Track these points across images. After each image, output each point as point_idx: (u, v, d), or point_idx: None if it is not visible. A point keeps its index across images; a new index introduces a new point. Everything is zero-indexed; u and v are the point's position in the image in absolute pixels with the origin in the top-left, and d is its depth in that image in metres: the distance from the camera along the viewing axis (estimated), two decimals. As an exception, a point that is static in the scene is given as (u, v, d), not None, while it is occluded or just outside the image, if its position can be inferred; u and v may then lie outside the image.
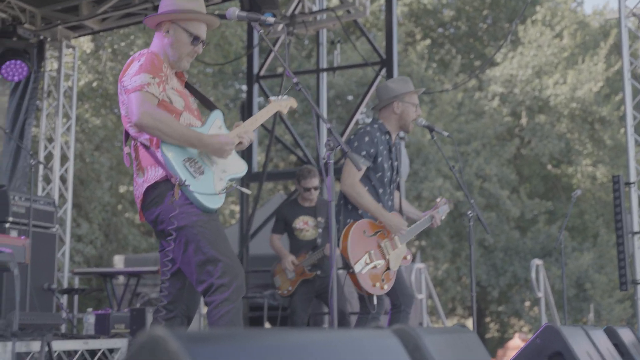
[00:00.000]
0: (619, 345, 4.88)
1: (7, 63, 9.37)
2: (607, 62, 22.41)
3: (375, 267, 4.95)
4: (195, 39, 3.92)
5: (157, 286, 9.53)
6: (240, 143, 3.99)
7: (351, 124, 9.92)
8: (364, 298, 5.03)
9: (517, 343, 16.00)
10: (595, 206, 22.70)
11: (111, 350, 5.64)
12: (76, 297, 9.24)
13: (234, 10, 3.83)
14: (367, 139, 5.15)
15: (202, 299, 3.93)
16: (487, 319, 24.99)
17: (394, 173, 5.35)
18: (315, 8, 9.79)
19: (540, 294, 8.39)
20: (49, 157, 10.25)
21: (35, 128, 11.08)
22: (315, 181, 6.99)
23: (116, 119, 17.54)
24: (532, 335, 3.45)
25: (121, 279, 9.88)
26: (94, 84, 16.94)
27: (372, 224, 5.04)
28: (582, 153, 22.77)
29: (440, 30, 26.26)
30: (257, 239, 10.17)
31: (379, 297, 5.10)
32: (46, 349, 5.01)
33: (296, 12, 9.70)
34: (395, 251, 5.09)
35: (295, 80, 3.70)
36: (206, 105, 4.13)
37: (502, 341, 23.66)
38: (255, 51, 10.27)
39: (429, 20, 25.63)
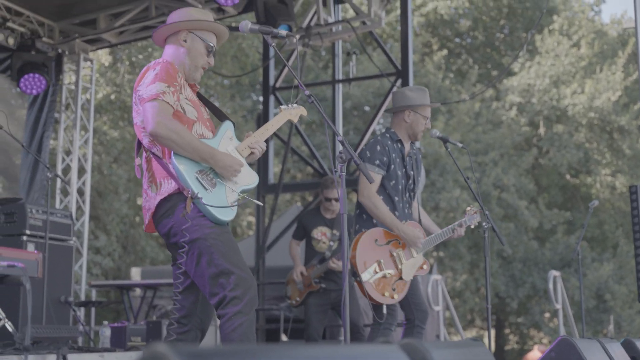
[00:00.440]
0: (637, 358, 4.82)
1: (26, 76, 9.46)
2: (625, 71, 22.28)
3: (384, 276, 4.94)
4: (211, 49, 3.95)
5: (174, 298, 9.52)
6: (252, 153, 3.99)
7: (367, 134, 9.91)
8: (375, 308, 5.02)
9: (536, 355, 15.89)
10: (614, 216, 22.52)
11: (127, 363, 5.65)
12: (93, 310, 9.25)
13: (246, 23, 3.84)
14: (378, 147, 5.17)
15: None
16: (507, 331, 24.83)
17: (410, 181, 5.34)
18: (330, 19, 9.80)
19: (558, 306, 8.33)
20: (66, 169, 10.31)
21: (54, 141, 11.15)
22: (337, 192, 6.99)
23: (134, 131, 17.63)
24: (549, 348, 3.42)
25: (138, 291, 9.90)
26: (112, 97, 17.05)
27: (386, 233, 5.03)
28: (601, 163, 22.62)
29: (457, 40, 26.22)
30: (274, 251, 10.17)
31: (390, 308, 5.08)
32: (62, 361, 5.03)
33: (312, 23, 9.72)
34: (409, 261, 5.06)
35: (307, 92, 3.70)
36: (218, 116, 4.14)
37: (521, 353, 23.52)
38: (271, 63, 10.30)
39: (445, 31, 25.61)
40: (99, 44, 10.53)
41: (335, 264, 6.70)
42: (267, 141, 4.16)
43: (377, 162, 5.13)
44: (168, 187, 3.71)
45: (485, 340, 4.97)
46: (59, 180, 9.74)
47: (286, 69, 10.44)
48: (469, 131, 21.55)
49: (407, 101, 5.29)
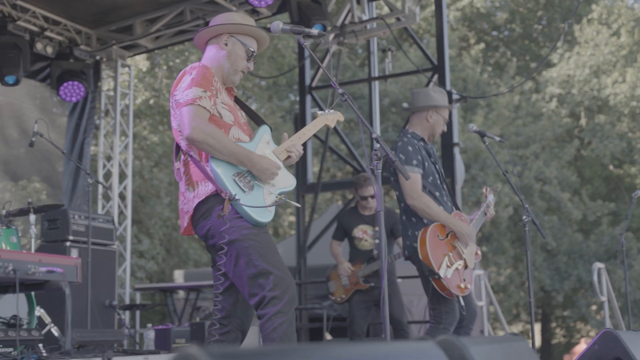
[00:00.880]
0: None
1: (65, 84, 9.59)
2: (667, 58, 21.91)
3: (457, 268, 4.99)
4: (251, 54, 3.96)
5: (217, 299, 9.57)
6: (288, 157, 4.00)
7: (405, 131, 9.86)
8: (440, 306, 5.01)
9: (583, 348, 15.69)
10: (660, 206, 22.16)
11: (171, 365, 5.68)
12: (138, 313, 9.35)
13: (277, 24, 3.84)
14: (410, 148, 5.20)
15: (255, 312, 3.92)
16: (553, 324, 24.57)
17: (442, 175, 5.39)
18: (365, 17, 9.76)
19: (604, 298, 8.21)
20: (108, 175, 10.43)
21: (94, 147, 11.29)
22: (371, 189, 6.98)
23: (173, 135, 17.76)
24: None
25: (181, 293, 9.98)
26: (151, 102, 17.21)
27: (441, 227, 5.05)
28: (645, 152, 22.27)
29: (494, 33, 26.00)
30: (315, 250, 10.17)
31: (450, 307, 5.05)
32: (107, 365, 5.09)
33: (346, 21, 9.69)
34: (467, 249, 5.10)
35: (340, 91, 3.69)
36: (254, 120, 4.15)
37: (569, 346, 23.26)
38: (307, 62, 10.30)
39: (482, 24, 25.41)
40: (135, 50, 10.63)
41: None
42: (304, 142, 4.16)
43: (415, 162, 5.14)
44: (205, 189, 3.73)
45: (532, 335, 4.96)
46: (100, 186, 9.86)
47: (320, 70, 10.44)
48: (509, 124, 21.35)
49: (432, 101, 5.36)
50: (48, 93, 10.08)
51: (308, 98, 10.17)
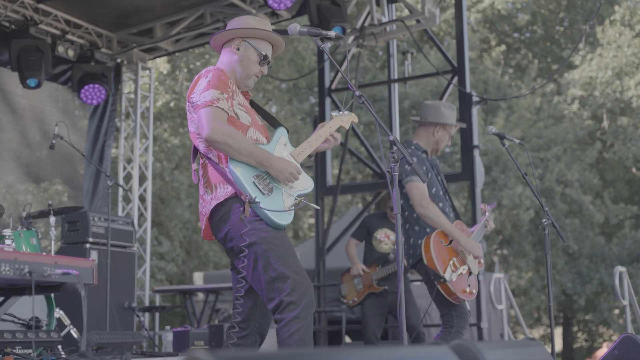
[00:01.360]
0: None
1: (86, 87, 9.65)
2: (690, 59, 21.69)
3: (461, 273, 5.06)
4: (264, 58, 3.96)
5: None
6: (326, 142, 4.12)
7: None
8: (451, 310, 5.07)
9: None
10: (684, 209, 21.94)
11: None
12: (157, 315, 9.37)
13: (295, 26, 3.83)
14: (415, 159, 5.29)
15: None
16: (575, 328, 24.38)
17: (445, 186, 5.49)
18: (384, 19, 9.74)
19: (625, 302, 8.14)
20: (128, 177, 10.48)
21: (115, 149, 11.35)
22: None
23: (193, 137, 17.82)
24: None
25: (200, 295, 10.00)
26: (172, 104, 17.27)
27: (443, 234, 5.13)
28: (669, 154, 22.05)
29: (515, 35, 25.87)
30: (334, 252, 10.15)
31: (461, 311, 5.09)
32: (125, 366, 5.11)
33: (365, 24, 9.68)
34: (471, 256, 5.16)
35: (357, 93, 3.68)
36: (271, 122, 4.14)
37: (591, 351, 23.06)
38: (326, 65, 10.29)
39: (503, 26, 25.28)
40: (156, 53, 10.68)
41: None
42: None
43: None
44: (224, 191, 3.72)
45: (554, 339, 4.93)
46: (121, 189, 9.90)
47: (340, 73, 10.43)
48: (530, 127, 21.22)
49: (441, 118, 5.45)
50: (70, 96, 10.15)
51: (327, 100, 10.16)
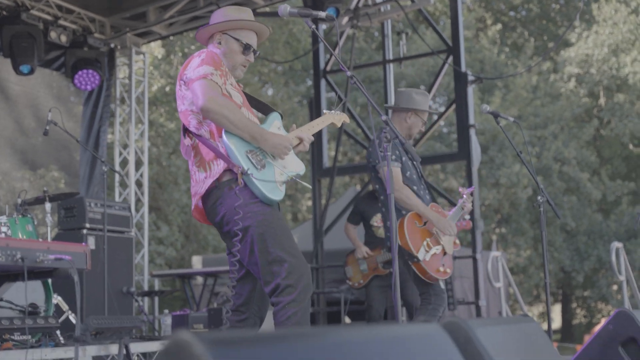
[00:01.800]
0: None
1: (80, 73, 9.60)
2: (687, 35, 21.65)
3: (435, 253, 5.18)
4: (247, 48, 3.96)
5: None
6: (300, 143, 3.99)
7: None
8: (428, 289, 5.21)
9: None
10: (681, 184, 21.98)
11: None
12: (156, 299, 9.39)
13: (285, 7, 3.81)
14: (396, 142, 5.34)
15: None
16: (574, 305, 24.49)
17: (419, 169, 5.56)
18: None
19: (622, 277, 8.16)
20: (124, 162, 10.46)
21: (111, 135, 11.32)
22: None
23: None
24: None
25: (199, 279, 10.01)
26: (167, 89, 17.22)
27: (417, 216, 5.25)
28: (666, 131, 22.05)
29: (511, 13, 25.79)
30: (332, 234, 10.16)
31: (439, 289, 5.23)
32: (124, 351, 5.12)
33: (360, 4, 9.64)
34: (445, 237, 5.29)
35: (349, 74, 3.67)
36: (263, 111, 4.14)
37: (590, 326, 23.18)
38: (321, 46, 10.25)
39: (499, 4, 25.20)
40: (149, 37, 10.63)
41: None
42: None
43: (393, 157, 5.31)
44: (218, 168, 3.70)
45: (552, 315, 4.96)
46: (117, 174, 9.89)
47: (334, 54, 10.39)
48: (527, 105, 21.22)
49: (413, 104, 5.56)
50: (64, 82, 10.11)
51: (323, 82, 10.13)
